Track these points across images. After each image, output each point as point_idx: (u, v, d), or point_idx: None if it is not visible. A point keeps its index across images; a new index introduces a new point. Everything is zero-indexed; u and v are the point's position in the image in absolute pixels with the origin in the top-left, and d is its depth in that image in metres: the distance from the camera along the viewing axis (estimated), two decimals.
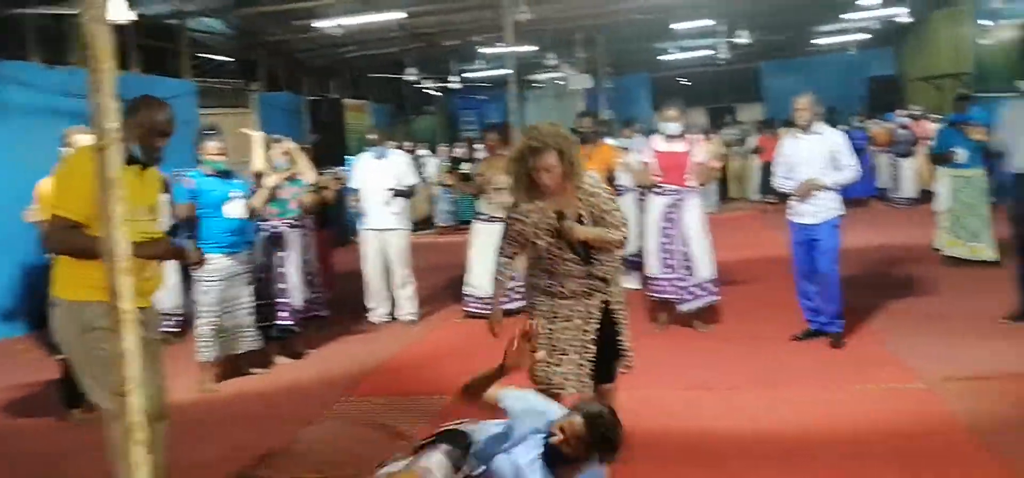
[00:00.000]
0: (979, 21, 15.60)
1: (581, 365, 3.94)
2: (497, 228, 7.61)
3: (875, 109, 18.49)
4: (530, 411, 3.29)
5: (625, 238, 3.97)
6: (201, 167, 6.05)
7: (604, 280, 3.95)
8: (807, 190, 6.08)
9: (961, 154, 8.46)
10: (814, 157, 6.13)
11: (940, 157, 8.88)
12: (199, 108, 12.02)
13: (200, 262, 4.30)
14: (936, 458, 4.16)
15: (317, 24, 12.70)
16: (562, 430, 3.04)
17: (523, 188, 3.89)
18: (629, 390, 4.42)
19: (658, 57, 21.60)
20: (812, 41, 21.29)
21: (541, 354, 3.79)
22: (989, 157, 8.11)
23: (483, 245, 7.59)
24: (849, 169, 6.12)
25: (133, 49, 11.54)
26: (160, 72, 12.14)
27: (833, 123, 16.03)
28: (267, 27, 13.93)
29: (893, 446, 4.32)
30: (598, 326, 3.97)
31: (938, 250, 9.02)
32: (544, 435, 3.10)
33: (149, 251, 3.60)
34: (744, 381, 5.56)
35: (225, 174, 6.08)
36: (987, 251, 8.48)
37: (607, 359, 4.04)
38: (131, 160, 3.58)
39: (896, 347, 5.99)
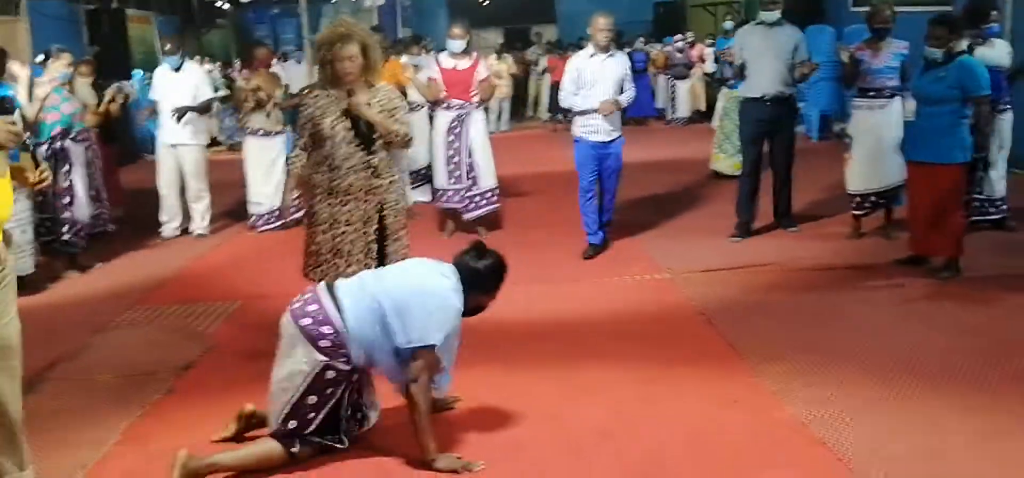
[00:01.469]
0: None
1: (367, 266, 4.22)
2: (271, 142, 7.88)
3: (660, 33, 19.67)
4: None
5: (408, 136, 4.31)
6: None
7: (380, 176, 4.25)
8: (610, 109, 6.31)
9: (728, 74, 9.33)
10: (609, 78, 6.35)
11: (721, 79, 9.71)
12: None
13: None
14: (673, 332, 4.93)
15: None
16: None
17: (325, 76, 4.21)
18: None
19: None
20: None
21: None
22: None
23: (256, 161, 7.87)
24: (632, 90, 6.53)
25: None
26: None
27: (620, 46, 16.94)
28: None
29: (641, 324, 5.09)
30: (376, 228, 4.31)
31: (715, 170, 9.93)
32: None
33: None
34: (522, 278, 6.03)
35: None
36: None
37: (385, 260, 4.34)
38: None
39: (651, 247, 6.80)
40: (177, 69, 7.79)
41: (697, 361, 4.44)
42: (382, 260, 4.32)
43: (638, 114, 15.58)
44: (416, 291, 3.38)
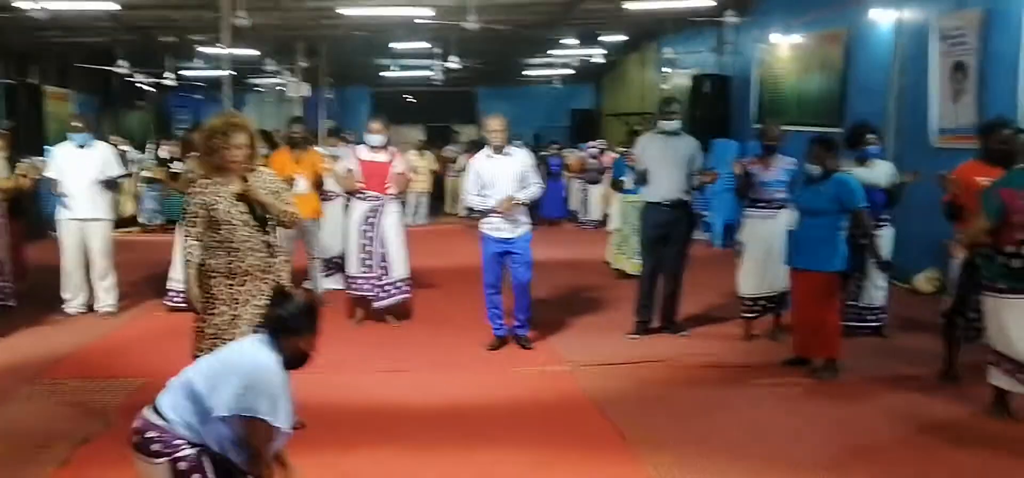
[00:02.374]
0: (661, 68, 17.80)
1: None
2: None
3: (577, 138, 20.40)
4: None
5: (296, 214, 4.59)
6: None
7: (275, 255, 4.50)
8: (508, 206, 6.57)
9: (629, 181, 9.82)
10: (507, 175, 6.60)
11: (615, 184, 10.22)
12: None
13: None
14: (567, 420, 5.17)
15: (18, 4, 12.01)
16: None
17: (212, 165, 4.42)
18: (333, 375, 5.02)
19: (380, 73, 22.31)
20: (523, 73, 22.99)
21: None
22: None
23: None
24: (535, 186, 6.80)
25: None
26: None
27: (537, 149, 17.37)
28: None
29: (538, 412, 5.33)
30: None
31: (609, 264, 10.38)
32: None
33: None
34: (427, 365, 6.35)
35: None
36: None
37: None
38: None
39: (555, 341, 7.05)
40: (82, 146, 7.82)
41: (587, 448, 4.67)
42: None
43: (551, 215, 16.08)
44: (227, 363, 3.46)
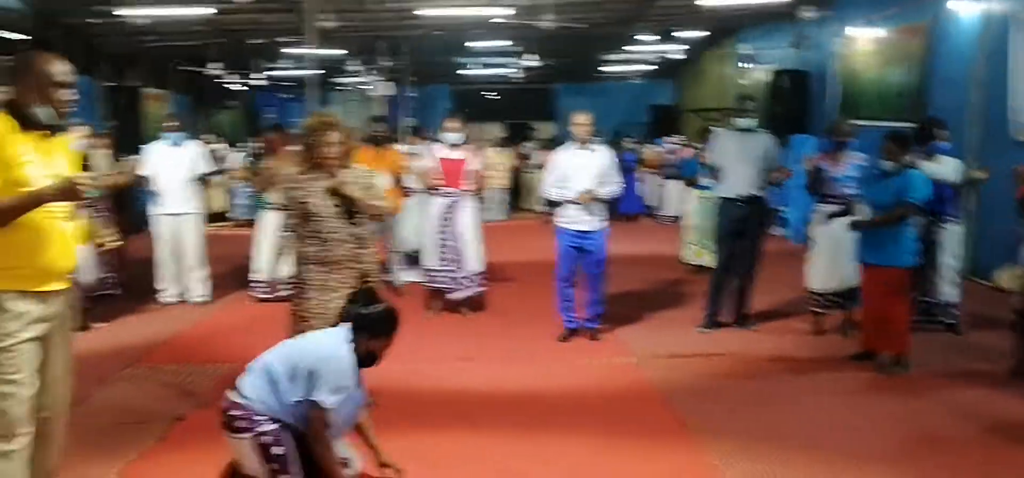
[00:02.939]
0: (739, 63, 17.69)
1: None
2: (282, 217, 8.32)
3: (657, 134, 20.38)
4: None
5: (384, 208, 4.92)
6: None
7: (364, 247, 4.77)
8: (587, 198, 6.70)
9: (704, 178, 9.88)
10: (587, 170, 6.72)
11: (689, 180, 10.29)
12: None
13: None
14: (631, 409, 5.32)
15: (119, 12, 12.71)
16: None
17: (308, 162, 4.72)
18: (405, 363, 5.29)
19: (458, 71, 22.69)
20: (601, 69, 23.08)
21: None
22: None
23: (269, 232, 8.29)
24: (615, 184, 6.94)
25: None
26: None
27: (618, 145, 17.37)
28: (66, 8, 13.73)
29: (602, 401, 5.48)
30: None
31: (684, 260, 10.43)
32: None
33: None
34: (499, 355, 6.58)
35: None
36: None
37: None
38: (34, 124, 3.30)
39: (624, 334, 7.20)
40: (175, 145, 8.31)
41: (650, 435, 4.83)
42: None
43: (628, 211, 16.15)
44: (304, 350, 3.79)
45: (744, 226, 7.16)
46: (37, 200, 3.21)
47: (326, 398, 3.65)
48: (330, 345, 3.79)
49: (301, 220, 4.71)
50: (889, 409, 5.30)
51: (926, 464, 4.43)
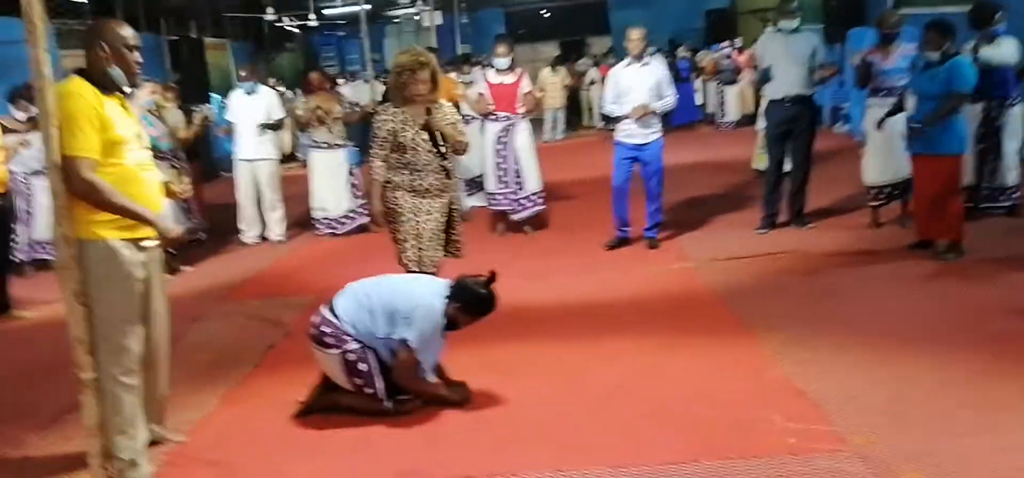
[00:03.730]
0: None
1: (437, 249, 5.18)
2: (335, 155, 8.66)
3: (714, 40, 20.14)
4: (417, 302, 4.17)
5: (468, 143, 5.28)
6: None
7: (450, 178, 5.16)
8: (641, 112, 6.85)
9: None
10: (643, 84, 6.94)
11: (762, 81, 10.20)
12: (59, 49, 12.25)
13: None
14: (688, 310, 5.58)
15: None
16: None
17: (398, 96, 5.05)
18: None
19: None
20: None
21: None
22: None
23: (321, 171, 8.73)
24: (670, 96, 7.09)
25: None
26: (9, 13, 12.04)
27: (673, 52, 17.20)
28: None
29: (661, 303, 5.76)
30: (446, 220, 5.20)
31: (756, 169, 10.44)
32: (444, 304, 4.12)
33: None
34: (562, 269, 6.87)
35: None
36: None
37: (449, 243, 5.30)
38: (113, 87, 3.56)
39: (683, 241, 7.43)
40: (250, 93, 8.73)
41: (707, 333, 5.08)
42: (447, 244, 5.25)
43: (680, 121, 16.13)
44: (403, 292, 4.15)
45: (792, 126, 7.26)
46: (144, 216, 3.56)
47: (414, 339, 4.04)
48: (427, 294, 4.15)
49: (393, 151, 5.04)
50: (943, 294, 5.44)
51: (968, 339, 4.59)
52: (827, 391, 4.06)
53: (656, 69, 7.11)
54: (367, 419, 4.13)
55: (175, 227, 3.73)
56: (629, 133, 7.07)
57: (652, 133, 7.05)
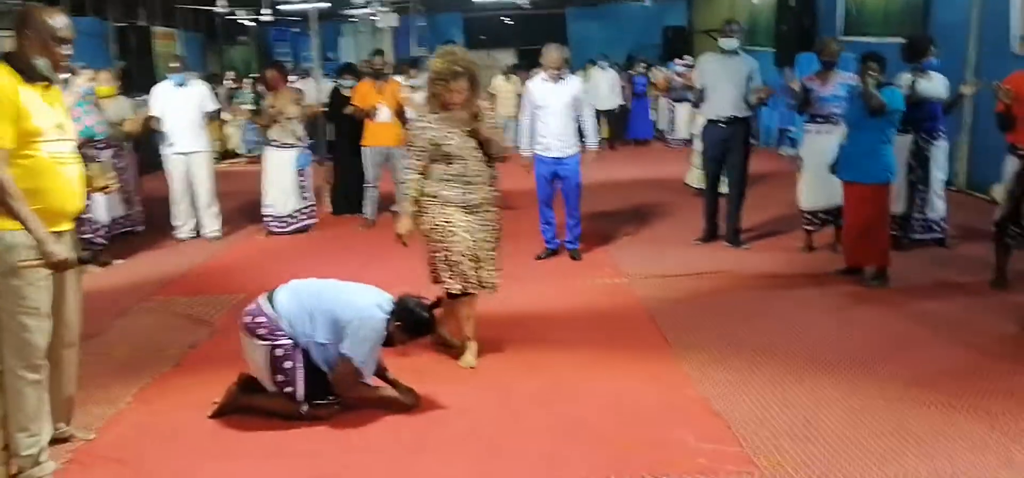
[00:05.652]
0: None
1: (494, 267, 4.86)
2: (287, 154, 8.56)
3: (670, 56, 20.30)
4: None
5: (510, 149, 4.99)
6: None
7: (495, 188, 4.79)
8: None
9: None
10: (559, 100, 6.98)
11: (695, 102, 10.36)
12: None
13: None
14: (617, 325, 5.60)
15: None
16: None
17: (436, 103, 4.63)
18: (406, 287, 5.54)
19: None
20: None
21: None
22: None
23: (275, 169, 8.60)
24: (589, 118, 7.27)
25: None
26: None
27: (627, 68, 17.20)
28: None
29: (590, 318, 5.79)
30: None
31: (689, 185, 10.56)
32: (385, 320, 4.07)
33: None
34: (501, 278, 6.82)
35: None
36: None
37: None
38: (36, 76, 3.49)
39: (618, 255, 7.47)
40: (181, 86, 8.51)
41: (632, 348, 5.11)
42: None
43: (638, 135, 16.26)
44: (347, 300, 4.12)
45: (728, 147, 7.36)
46: (36, 233, 3.41)
47: (354, 352, 4.01)
48: (370, 306, 4.10)
49: (436, 162, 4.65)
50: (865, 319, 5.54)
51: (886, 366, 4.68)
52: (742, 412, 4.11)
53: (572, 86, 7.12)
54: (283, 423, 4.09)
55: (61, 251, 3.50)
56: (546, 147, 7.09)
57: (569, 148, 7.10)
